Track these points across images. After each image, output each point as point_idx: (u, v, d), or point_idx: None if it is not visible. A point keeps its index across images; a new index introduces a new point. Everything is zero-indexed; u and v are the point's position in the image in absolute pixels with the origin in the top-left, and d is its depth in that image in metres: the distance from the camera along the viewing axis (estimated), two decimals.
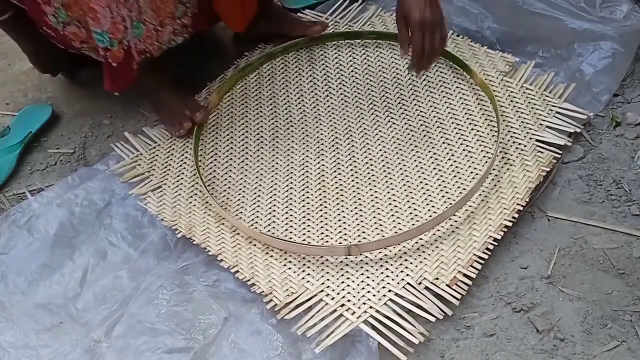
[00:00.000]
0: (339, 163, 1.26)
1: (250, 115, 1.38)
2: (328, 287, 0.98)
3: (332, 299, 0.97)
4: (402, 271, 1.02)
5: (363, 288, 0.98)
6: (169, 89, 1.35)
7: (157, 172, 1.29)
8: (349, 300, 0.96)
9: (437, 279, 0.98)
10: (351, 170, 1.24)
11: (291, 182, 1.24)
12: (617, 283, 1.04)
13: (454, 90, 1.34)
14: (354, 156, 1.27)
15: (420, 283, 0.98)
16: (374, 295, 0.97)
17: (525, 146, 1.20)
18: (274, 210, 1.19)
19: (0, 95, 1.60)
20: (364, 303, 0.95)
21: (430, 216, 1.12)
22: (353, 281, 1.00)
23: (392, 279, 1.00)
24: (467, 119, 1.28)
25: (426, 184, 1.19)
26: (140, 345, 1.02)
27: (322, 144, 1.30)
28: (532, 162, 1.17)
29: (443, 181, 1.19)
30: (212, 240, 1.13)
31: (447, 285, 0.99)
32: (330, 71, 1.44)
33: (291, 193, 1.22)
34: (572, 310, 1.02)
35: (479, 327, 1.02)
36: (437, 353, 1.00)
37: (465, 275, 1.00)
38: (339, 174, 1.24)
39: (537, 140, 1.21)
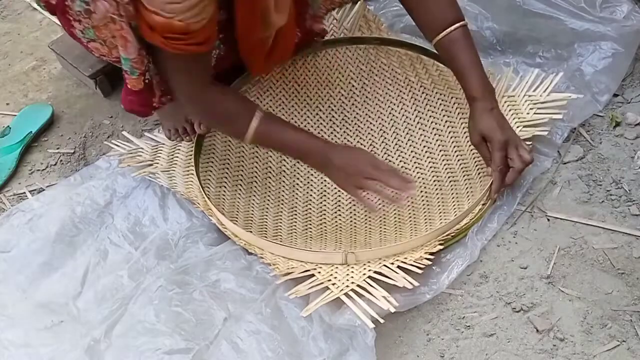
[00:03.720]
0: None
1: None
2: (321, 267, 1.07)
3: (322, 275, 1.05)
4: (380, 258, 1.08)
5: (348, 269, 1.06)
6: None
7: (163, 162, 1.29)
8: (335, 277, 1.04)
9: (406, 257, 1.05)
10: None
11: (295, 193, 1.32)
12: (617, 283, 1.04)
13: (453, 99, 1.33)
14: None
15: (392, 263, 1.04)
16: (356, 275, 1.04)
17: None
18: (279, 220, 1.26)
19: (0, 95, 1.60)
20: (347, 279, 1.03)
21: (426, 230, 1.17)
22: (341, 267, 1.08)
23: (372, 264, 1.07)
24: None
25: (427, 199, 1.25)
26: (140, 345, 1.02)
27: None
28: None
29: (442, 196, 1.24)
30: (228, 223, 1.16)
31: (414, 261, 1.04)
32: (331, 80, 1.43)
33: (295, 203, 1.30)
34: (572, 310, 1.02)
35: (478, 327, 1.02)
36: (437, 353, 1.00)
37: (430, 253, 1.05)
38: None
39: None
